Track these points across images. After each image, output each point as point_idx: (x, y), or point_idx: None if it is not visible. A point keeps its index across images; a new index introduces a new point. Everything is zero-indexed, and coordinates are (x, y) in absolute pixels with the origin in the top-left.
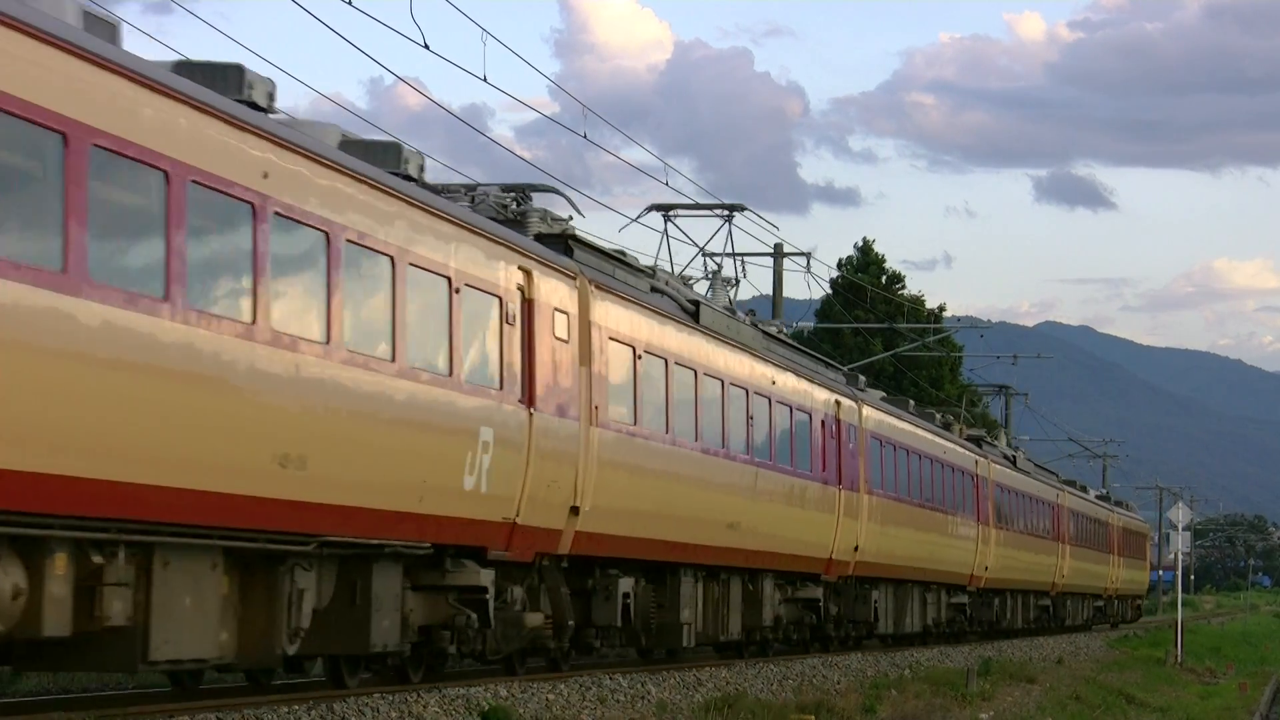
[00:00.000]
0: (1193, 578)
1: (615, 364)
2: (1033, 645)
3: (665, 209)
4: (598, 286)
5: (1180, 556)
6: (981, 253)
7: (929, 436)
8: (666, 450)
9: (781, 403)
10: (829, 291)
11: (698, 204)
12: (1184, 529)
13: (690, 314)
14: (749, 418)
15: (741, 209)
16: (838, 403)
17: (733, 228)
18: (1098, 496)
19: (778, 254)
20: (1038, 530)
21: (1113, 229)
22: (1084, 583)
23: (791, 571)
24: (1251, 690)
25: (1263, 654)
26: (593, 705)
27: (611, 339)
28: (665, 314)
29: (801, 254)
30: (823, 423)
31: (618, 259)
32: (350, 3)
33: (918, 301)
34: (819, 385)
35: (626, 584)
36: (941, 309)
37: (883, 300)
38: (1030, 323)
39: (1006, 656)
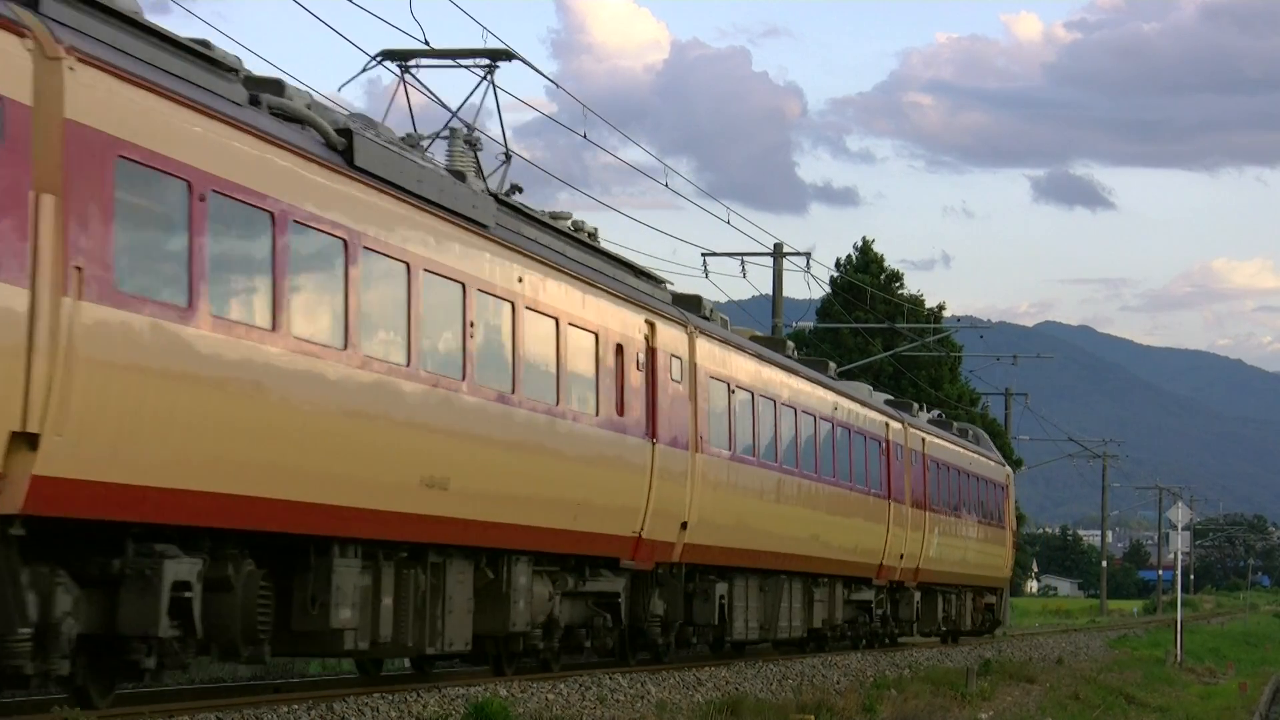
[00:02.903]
0: (1193, 578)
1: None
2: (1033, 645)
3: (401, 56)
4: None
5: (1180, 556)
6: (980, 253)
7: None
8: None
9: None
10: (828, 291)
11: (444, 51)
12: (1184, 529)
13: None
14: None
15: (509, 57)
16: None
17: (495, 85)
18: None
19: (777, 254)
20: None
21: (1112, 229)
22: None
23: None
24: (1251, 690)
25: (1263, 654)
26: (592, 705)
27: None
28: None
29: (802, 254)
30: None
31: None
32: (350, 1)
33: (917, 301)
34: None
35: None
36: (941, 309)
37: (882, 300)
38: (1030, 323)
39: (1006, 656)
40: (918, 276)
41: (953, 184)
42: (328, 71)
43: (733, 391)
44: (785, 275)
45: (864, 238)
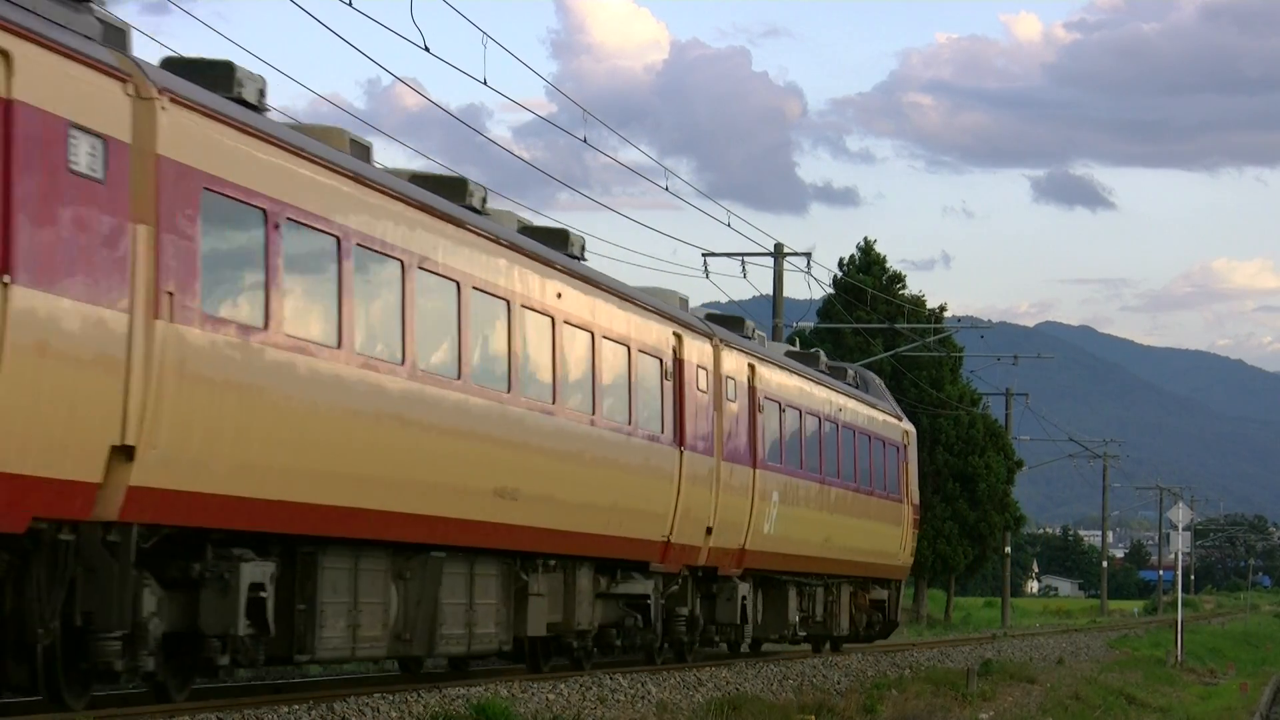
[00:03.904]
0: (1193, 578)
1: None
2: (1033, 645)
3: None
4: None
5: (1181, 557)
6: (980, 253)
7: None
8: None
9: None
10: (828, 291)
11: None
12: (1184, 529)
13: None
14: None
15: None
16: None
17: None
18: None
19: (778, 254)
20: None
21: (1112, 229)
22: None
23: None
24: (1252, 690)
25: (1263, 654)
26: (593, 705)
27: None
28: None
29: (802, 254)
30: None
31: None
32: (350, 4)
33: (918, 302)
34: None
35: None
36: (942, 309)
37: (884, 301)
38: (1030, 323)
39: (1006, 656)
40: (918, 276)
41: (953, 184)
42: (327, 71)
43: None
44: (785, 275)
45: (866, 238)
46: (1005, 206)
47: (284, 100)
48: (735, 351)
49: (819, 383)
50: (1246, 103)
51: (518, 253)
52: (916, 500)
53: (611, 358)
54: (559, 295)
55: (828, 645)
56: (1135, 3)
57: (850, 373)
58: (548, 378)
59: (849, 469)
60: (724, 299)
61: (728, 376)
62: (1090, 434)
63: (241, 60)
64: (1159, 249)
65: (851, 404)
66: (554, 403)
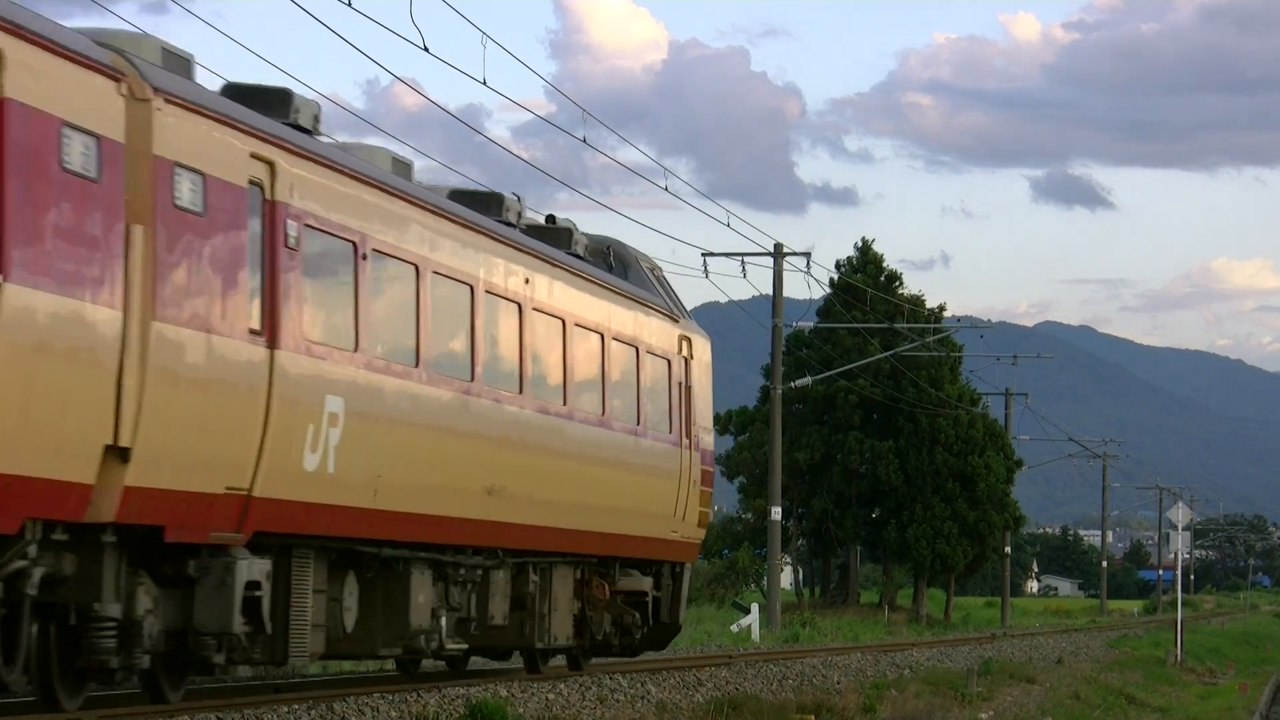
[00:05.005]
0: (1193, 578)
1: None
2: (1033, 645)
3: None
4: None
5: (1180, 556)
6: (980, 253)
7: None
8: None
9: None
10: (828, 291)
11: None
12: (1184, 529)
13: None
14: None
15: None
16: None
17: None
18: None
19: (778, 254)
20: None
21: (1111, 229)
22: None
23: None
24: (1252, 690)
25: (1263, 654)
26: (592, 705)
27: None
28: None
29: (801, 254)
30: None
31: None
32: (350, 4)
33: (918, 302)
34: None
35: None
36: (941, 309)
37: (882, 301)
38: (1030, 323)
39: (1006, 656)
40: (917, 276)
41: (952, 184)
42: (327, 71)
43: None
44: (785, 275)
45: (864, 238)
46: (1004, 206)
47: None
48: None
49: (496, 238)
50: (1245, 103)
51: None
52: (710, 445)
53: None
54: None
55: (547, 662)
56: (1134, 3)
57: (570, 234)
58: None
59: (556, 382)
60: (724, 299)
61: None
62: (1090, 434)
63: (241, 60)
64: (1158, 249)
65: (573, 283)
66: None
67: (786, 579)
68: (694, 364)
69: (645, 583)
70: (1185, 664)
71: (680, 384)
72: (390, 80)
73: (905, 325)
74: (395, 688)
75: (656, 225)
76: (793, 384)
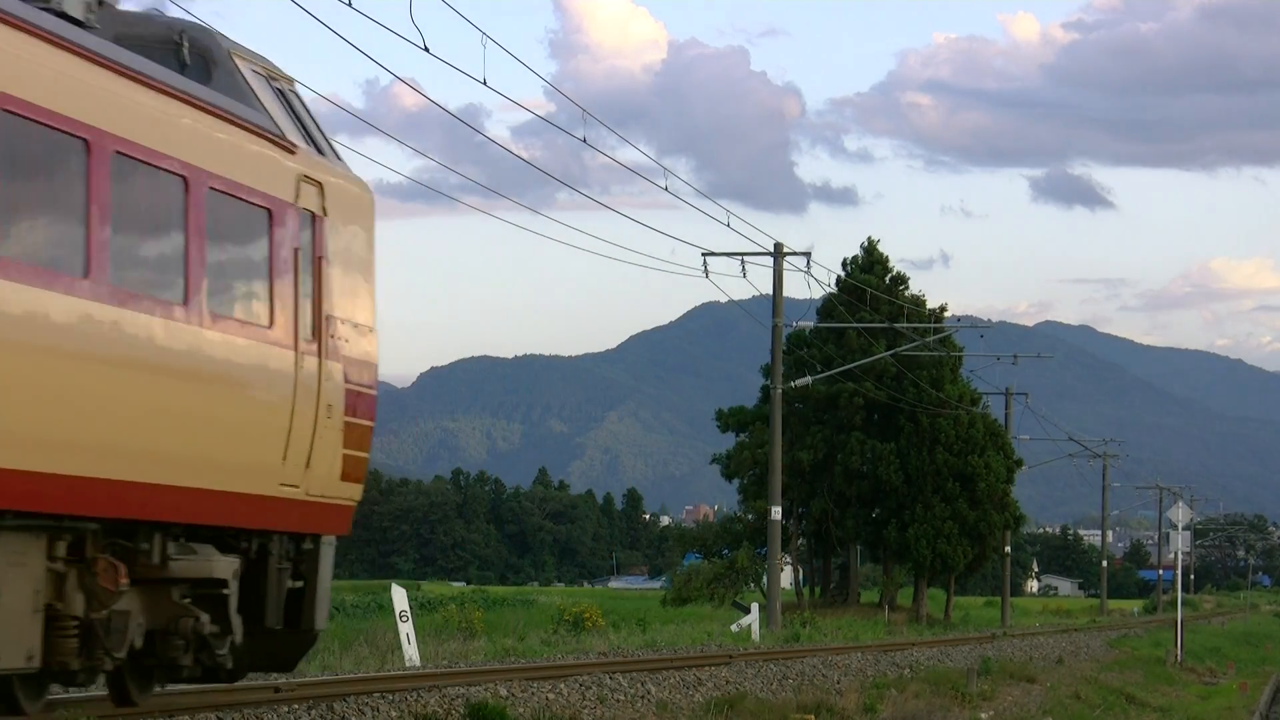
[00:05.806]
0: (1193, 577)
1: None
2: (1033, 645)
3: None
4: None
5: (1180, 556)
6: (980, 253)
7: None
8: None
9: None
10: (828, 291)
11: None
12: (1184, 529)
13: None
14: None
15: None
16: None
17: None
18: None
19: (778, 254)
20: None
21: (1111, 229)
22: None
23: None
24: (1251, 690)
25: (1263, 654)
26: (592, 705)
27: None
28: None
29: (801, 254)
30: None
31: None
32: (350, 4)
33: (919, 302)
34: None
35: None
36: (942, 309)
37: (886, 301)
38: (1030, 323)
39: (1006, 656)
40: (917, 276)
41: (951, 184)
42: (327, 71)
43: None
44: (785, 275)
45: (869, 238)
46: (1004, 206)
47: None
48: None
49: None
50: (1245, 103)
51: None
52: (372, 356)
53: None
54: None
55: None
56: (1133, 3)
57: (177, 37)
58: None
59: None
60: (724, 299)
61: None
62: (1090, 434)
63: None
64: (1158, 249)
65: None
66: None
67: (787, 579)
68: (335, 225)
69: (221, 565)
70: (1185, 664)
71: (301, 251)
72: (390, 80)
73: (906, 325)
74: (395, 688)
75: (656, 225)
76: (793, 384)
